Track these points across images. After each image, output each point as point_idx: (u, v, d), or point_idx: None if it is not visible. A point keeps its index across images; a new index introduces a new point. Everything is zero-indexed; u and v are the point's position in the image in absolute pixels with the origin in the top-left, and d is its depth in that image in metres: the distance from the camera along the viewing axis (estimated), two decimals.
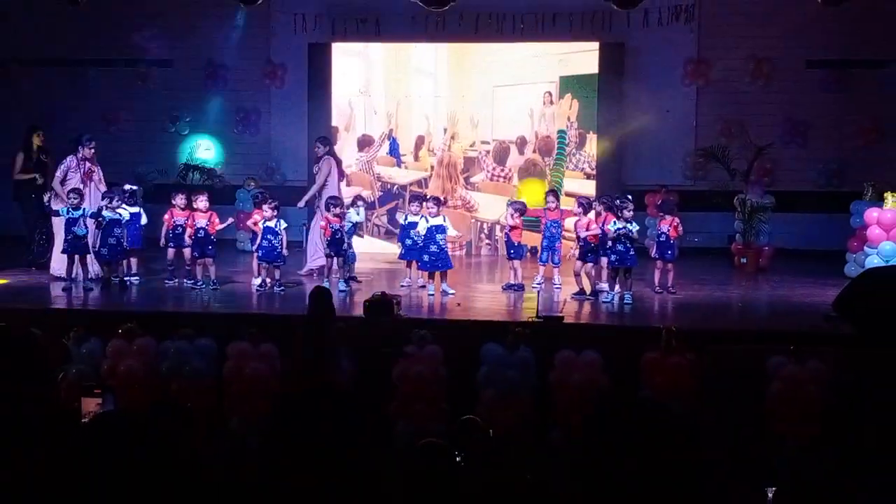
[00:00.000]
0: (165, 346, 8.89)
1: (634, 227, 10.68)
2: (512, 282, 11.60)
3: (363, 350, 8.84)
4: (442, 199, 11.96)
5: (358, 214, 11.80)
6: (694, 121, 16.02)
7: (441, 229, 11.17)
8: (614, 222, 10.70)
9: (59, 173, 11.99)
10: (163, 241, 11.86)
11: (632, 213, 10.72)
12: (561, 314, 9.77)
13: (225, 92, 16.79)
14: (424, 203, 11.33)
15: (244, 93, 16.83)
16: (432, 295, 11.07)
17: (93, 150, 12.20)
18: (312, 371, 7.53)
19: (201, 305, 10.70)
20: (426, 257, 11.16)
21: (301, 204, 12.46)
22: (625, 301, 10.58)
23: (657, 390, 8.23)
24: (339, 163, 12.72)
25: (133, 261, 11.97)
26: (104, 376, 8.68)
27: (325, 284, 11.27)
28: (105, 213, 11.32)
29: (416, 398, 8.47)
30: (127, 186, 12.15)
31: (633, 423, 3.35)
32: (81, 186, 11.83)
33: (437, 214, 11.26)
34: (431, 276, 11.18)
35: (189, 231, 11.55)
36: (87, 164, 12.13)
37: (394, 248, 13.73)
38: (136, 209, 11.95)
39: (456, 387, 8.59)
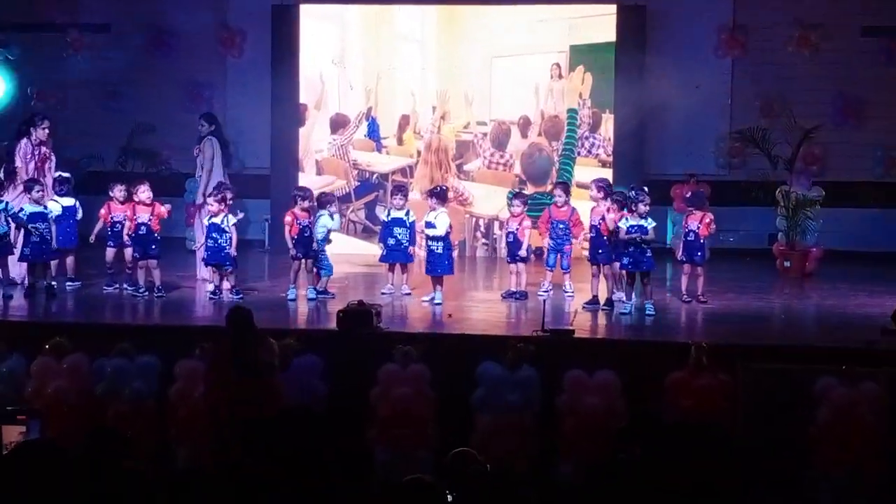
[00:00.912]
0: (101, 364, 8.88)
1: (650, 224, 10.70)
2: (513, 289, 11.64)
3: (337, 368, 8.85)
4: (442, 188, 11.98)
5: (332, 219, 11.76)
6: (728, 99, 16.08)
7: (429, 226, 11.23)
8: (626, 219, 10.72)
9: (18, 162, 12.00)
10: (93, 237, 11.85)
11: (647, 207, 10.74)
12: (571, 327, 9.79)
13: (172, 62, 16.78)
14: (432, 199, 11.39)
15: (195, 63, 16.82)
16: (427, 303, 11.11)
17: (47, 132, 12.21)
18: (252, 397, 7.64)
19: (144, 316, 10.68)
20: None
21: (199, 199, 12.40)
22: (646, 312, 10.62)
23: (684, 416, 8.24)
24: (224, 145, 12.62)
25: (69, 262, 11.97)
26: (28, 399, 8.66)
27: (291, 293, 11.32)
28: (26, 206, 11.30)
29: (399, 426, 8.48)
30: (57, 174, 12.15)
31: (659, 455, 3.39)
32: (37, 175, 11.87)
33: (434, 209, 11.35)
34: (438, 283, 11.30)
35: (129, 227, 11.54)
36: (43, 149, 12.15)
37: (373, 249, 13.74)
38: (69, 201, 11.92)
39: (446, 413, 8.60)
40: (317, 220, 11.64)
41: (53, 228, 11.43)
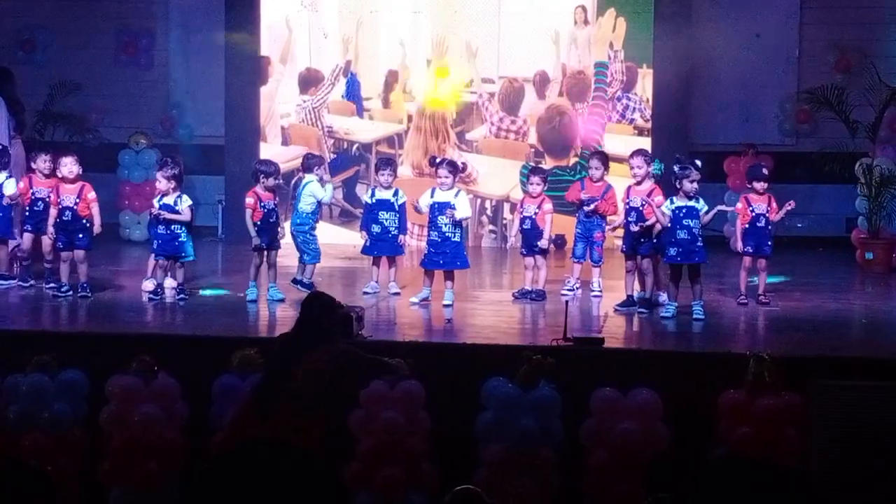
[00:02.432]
0: (13, 381, 8.87)
1: (702, 206, 10.69)
2: (528, 287, 11.63)
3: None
4: (460, 165, 11.97)
5: (323, 188, 11.75)
6: (797, 50, 16.07)
7: (448, 208, 11.19)
8: (671, 200, 10.71)
9: None
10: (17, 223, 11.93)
11: (696, 183, 10.71)
12: (600, 335, 9.79)
13: (100, 4, 16.75)
14: (439, 171, 11.36)
15: (129, 6, 16.80)
16: (418, 304, 11.13)
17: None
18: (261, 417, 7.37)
19: (68, 321, 10.65)
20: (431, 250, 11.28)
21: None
22: (694, 315, 10.61)
23: (741, 446, 8.22)
24: (16, 109, 12.52)
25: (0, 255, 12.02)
26: None
27: (251, 293, 11.29)
28: None
29: (387, 458, 8.48)
30: None
31: (708, 496, 3.39)
32: None
33: (452, 187, 11.35)
34: (429, 278, 11.30)
35: (53, 210, 11.51)
36: None
37: (353, 238, 13.72)
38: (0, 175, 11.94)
39: (445, 441, 8.59)
40: (301, 189, 11.64)
41: None
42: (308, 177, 11.79)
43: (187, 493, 7.40)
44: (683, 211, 10.65)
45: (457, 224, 11.28)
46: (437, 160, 11.74)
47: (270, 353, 7.91)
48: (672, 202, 10.72)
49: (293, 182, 14.12)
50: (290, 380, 7.29)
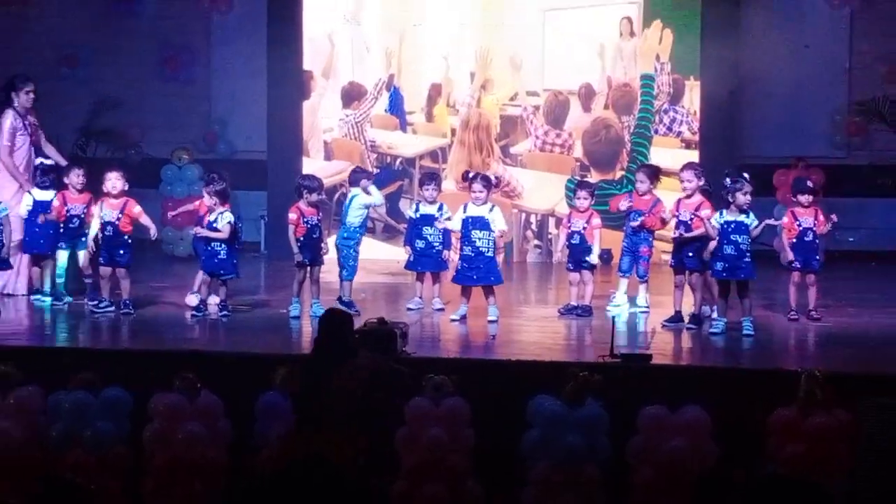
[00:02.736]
0: (57, 399, 8.93)
1: (753, 221, 10.64)
2: (574, 302, 11.62)
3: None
4: (494, 179, 11.99)
5: (370, 193, 11.86)
6: (847, 61, 15.99)
7: (482, 223, 11.22)
8: (721, 213, 10.66)
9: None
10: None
11: (749, 197, 10.66)
12: (648, 351, 9.76)
13: (144, 21, 16.89)
14: (473, 185, 11.39)
15: (172, 22, 16.93)
16: (457, 320, 11.14)
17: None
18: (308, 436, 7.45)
19: (111, 338, 10.73)
20: (463, 265, 11.29)
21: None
22: (744, 331, 10.57)
23: (792, 464, 8.17)
24: (25, 116, 12.45)
25: (34, 272, 12.13)
26: None
27: (294, 309, 11.34)
28: None
29: (430, 475, 8.49)
30: (38, 160, 12.31)
31: None
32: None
33: (486, 202, 11.38)
34: (466, 295, 11.31)
35: (95, 223, 11.59)
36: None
37: (397, 253, 13.77)
38: (48, 194, 12.05)
39: (490, 459, 8.59)
40: (349, 203, 11.65)
41: (6, 231, 11.54)
42: (354, 190, 11.86)
43: None
44: (732, 226, 10.60)
45: (490, 239, 11.29)
46: (471, 175, 11.77)
47: (302, 373, 8.00)
48: (721, 216, 10.68)
49: (335, 197, 14.20)
50: (320, 398, 7.37)
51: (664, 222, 11.73)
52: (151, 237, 11.77)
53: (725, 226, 10.62)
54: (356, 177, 12.08)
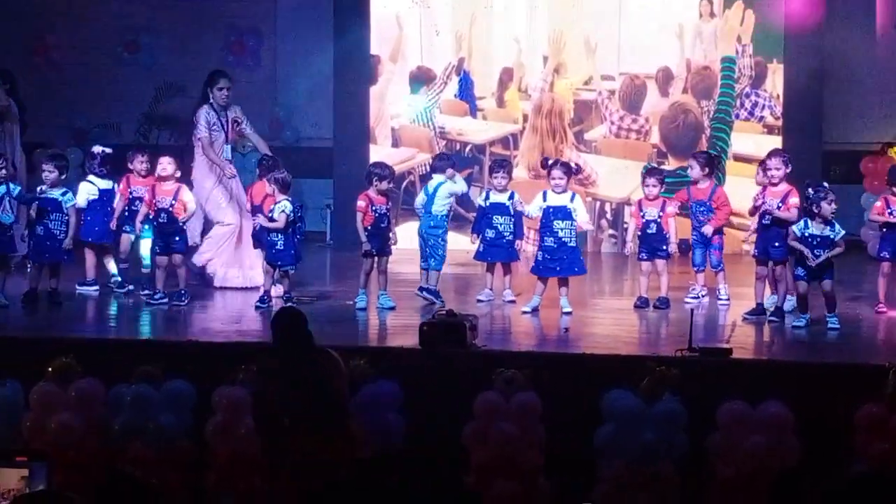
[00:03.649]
0: (118, 391, 9.05)
1: (839, 233, 10.49)
2: (644, 294, 11.60)
3: (419, 398, 8.90)
4: (574, 166, 12.00)
5: (456, 182, 11.92)
6: None
7: (564, 213, 11.24)
8: (806, 224, 10.49)
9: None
10: (114, 222, 12.21)
11: (834, 206, 10.50)
12: (728, 345, 9.73)
13: (207, 4, 17.03)
14: (553, 172, 11.41)
15: (238, 4, 17.06)
16: (529, 312, 11.14)
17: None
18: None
19: (173, 330, 10.85)
20: (542, 256, 11.30)
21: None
22: (828, 325, 10.50)
23: (880, 462, 8.12)
24: (221, 112, 12.50)
25: (108, 260, 12.35)
26: (28, 437, 8.85)
27: (361, 300, 11.39)
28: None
29: (500, 471, 8.51)
30: (98, 148, 12.48)
31: None
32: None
33: (566, 189, 11.38)
34: (542, 286, 11.33)
35: (145, 210, 11.73)
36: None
37: (466, 243, 13.79)
38: (107, 183, 12.29)
39: (562, 455, 8.60)
40: (434, 191, 11.72)
41: (72, 220, 11.70)
42: (438, 178, 11.87)
43: None
44: (817, 240, 10.42)
45: (573, 228, 11.29)
46: (550, 161, 11.75)
47: (262, 372, 8.17)
48: (807, 227, 10.47)
49: (403, 185, 14.22)
50: (297, 395, 7.59)
51: (726, 216, 11.67)
52: (192, 205, 11.87)
53: (810, 239, 10.47)
54: (441, 164, 12.12)
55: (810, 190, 10.63)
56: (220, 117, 12.35)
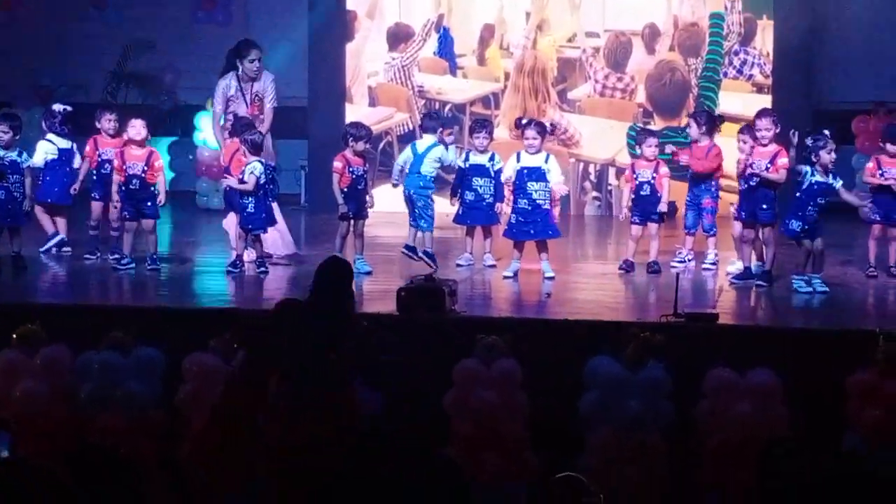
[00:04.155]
0: (86, 359, 9.00)
1: (839, 182, 10.48)
2: (631, 258, 11.58)
3: (395, 366, 8.87)
4: (549, 126, 11.95)
5: (447, 150, 11.85)
6: None
7: (538, 174, 11.19)
8: (813, 172, 10.46)
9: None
10: (77, 186, 12.20)
11: (833, 155, 10.50)
12: (714, 310, 9.72)
13: None
14: (526, 132, 11.35)
15: None
16: (510, 277, 11.13)
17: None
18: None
19: (142, 296, 10.80)
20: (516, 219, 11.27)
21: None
22: (816, 289, 10.50)
23: (871, 432, 8.14)
24: (247, 83, 12.29)
25: (61, 223, 12.26)
26: None
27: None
28: None
29: (482, 441, 8.50)
30: (59, 106, 12.39)
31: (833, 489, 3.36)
32: None
33: (540, 150, 11.34)
34: (519, 250, 11.30)
35: (117, 177, 11.64)
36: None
37: (445, 206, 13.74)
38: (66, 143, 12.22)
39: (545, 425, 8.59)
40: (425, 152, 11.66)
41: (28, 182, 11.61)
42: (428, 137, 11.80)
43: None
44: (822, 187, 10.47)
45: (547, 190, 11.26)
46: (524, 121, 11.72)
47: (283, 336, 7.84)
48: (813, 174, 10.47)
49: (380, 146, 14.13)
50: (320, 370, 7.43)
51: (713, 167, 11.66)
52: (159, 202, 11.72)
53: (816, 187, 10.47)
54: (432, 123, 12.07)
55: (808, 138, 10.61)
56: (243, 89, 12.18)
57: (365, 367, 8.35)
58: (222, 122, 12.11)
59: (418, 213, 11.67)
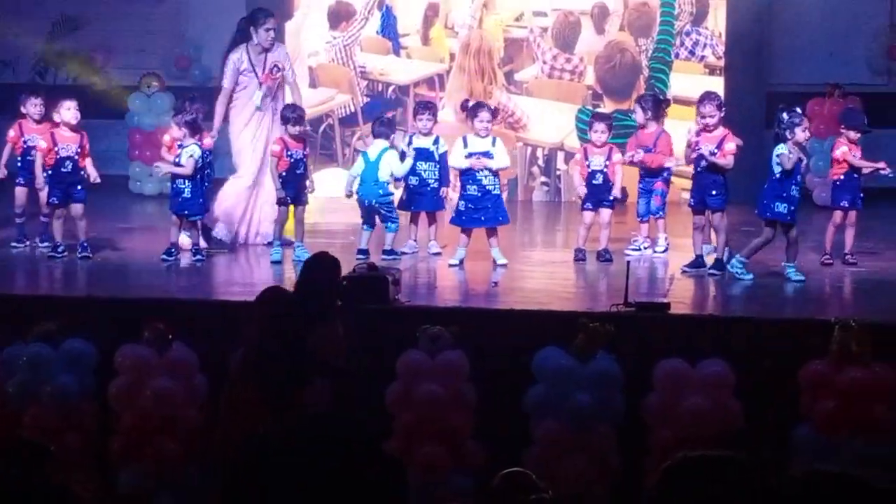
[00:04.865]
0: (13, 352, 8.94)
1: (808, 160, 10.55)
2: (582, 245, 11.61)
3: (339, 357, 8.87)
4: (492, 108, 11.99)
5: (402, 164, 11.60)
6: None
7: (489, 158, 11.21)
8: (786, 148, 10.50)
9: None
10: (2, 170, 12.06)
11: (808, 133, 10.56)
12: (666, 299, 9.78)
13: None
14: (480, 114, 11.37)
15: None
16: (456, 265, 11.15)
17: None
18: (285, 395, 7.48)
19: (72, 285, 10.73)
20: (464, 205, 11.28)
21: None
22: (793, 278, 10.56)
23: (826, 424, 8.23)
24: (260, 54, 12.18)
25: None
26: None
27: (275, 253, 11.31)
28: None
29: (427, 436, 8.52)
30: None
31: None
32: None
33: (488, 133, 11.37)
34: (466, 237, 11.30)
35: (43, 159, 11.54)
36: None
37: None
38: None
39: (492, 418, 8.62)
40: (378, 159, 11.51)
41: None
42: (379, 143, 11.63)
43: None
44: (804, 164, 10.54)
45: (496, 175, 11.29)
46: (473, 104, 11.74)
47: (266, 328, 7.83)
48: (789, 152, 10.51)
49: (321, 129, 14.05)
50: (301, 362, 7.42)
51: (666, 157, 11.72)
52: (93, 180, 11.64)
53: (800, 164, 10.54)
54: (384, 130, 11.79)
55: (784, 115, 10.64)
56: (254, 61, 12.09)
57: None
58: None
59: (384, 217, 11.59)
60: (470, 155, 11.23)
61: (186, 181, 11.24)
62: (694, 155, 11.07)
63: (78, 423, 8.82)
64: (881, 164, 11.48)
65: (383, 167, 11.52)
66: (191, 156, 11.21)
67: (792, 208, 10.57)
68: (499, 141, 11.48)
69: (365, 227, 11.54)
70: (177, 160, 11.26)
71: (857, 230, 11.50)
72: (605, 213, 11.58)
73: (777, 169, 10.51)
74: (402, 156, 11.62)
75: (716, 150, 10.91)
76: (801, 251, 11.67)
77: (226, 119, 12.11)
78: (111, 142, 15.33)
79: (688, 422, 8.37)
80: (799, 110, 10.78)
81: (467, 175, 11.29)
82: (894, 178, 14.98)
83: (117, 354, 8.82)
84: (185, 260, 11.35)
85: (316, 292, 7.94)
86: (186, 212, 11.32)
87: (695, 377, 8.49)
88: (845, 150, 11.40)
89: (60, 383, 8.84)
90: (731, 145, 10.89)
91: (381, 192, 11.55)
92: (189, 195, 11.27)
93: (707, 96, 11.35)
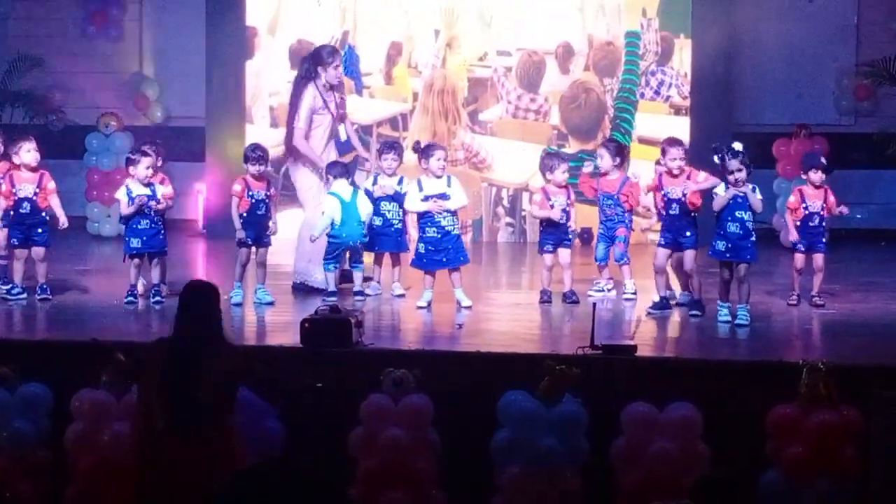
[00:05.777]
0: None
1: (756, 194, 10.64)
2: (547, 286, 11.63)
3: (300, 402, 8.84)
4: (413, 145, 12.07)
5: (368, 205, 11.63)
6: (854, 17, 16.04)
7: (445, 199, 11.25)
8: (726, 187, 10.59)
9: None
10: None
11: (746, 169, 10.61)
12: (632, 342, 9.78)
13: None
14: (436, 153, 11.43)
15: None
16: (424, 307, 11.15)
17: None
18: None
19: (29, 328, 10.66)
20: (423, 248, 11.29)
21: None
22: (738, 320, 10.60)
23: (794, 467, 8.24)
24: (329, 92, 12.25)
25: None
26: None
27: (236, 295, 11.29)
28: None
29: (389, 481, 8.48)
30: None
31: None
32: None
33: (443, 174, 11.41)
34: (431, 279, 11.33)
35: (4, 203, 11.50)
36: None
37: None
38: None
39: (456, 463, 8.60)
40: (353, 200, 11.48)
41: None
42: (341, 183, 11.51)
43: None
44: (740, 199, 10.58)
45: (455, 215, 11.32)
46: (424, 144, 11.81)
47: (161, 363, 7.80)
48: (726, 189, 10.59)
49: (282, 170, 14.02)
50: (197, 392, 7.43)
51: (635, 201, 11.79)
52: (60, 226, 11.60)
53: (733, 201, 10.58)
54: (339, 170, 11.68)
55: (716, 156, 10.63)
56: (326, 98, 12.10)
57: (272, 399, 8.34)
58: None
59: (355, 258, 11.65)
60: (427, 198, 11.27)
61: (143, 220, 11.25)
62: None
63: (32, 469, 8.75)
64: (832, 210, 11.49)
65: (361, 206, 11.53)
66: (164, 193, 11.27)
67: (729, 245, 10.59)
68: (454, 179, 11.51)
69: (332, 266, 11.52)
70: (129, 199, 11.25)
71: (826, 273, 11.52)
72: (565, 252, 11.60)
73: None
74: (369, 195, 11.64)
75: (685, 192, 10.97)
76: (769, 293, 11.74)
77: (291, 154, 12.14)
78: (69, 182, 15.28)
79: (655, 466, 8.38)
80: (739, 146, 10.73)
81: (426, 218, 11.31)
82: (861, 218, 15.20)
83: (74, 399, 8.76)
84: (144, 302, 11.32)
85: (197, 321, 7.85)
86: (155, 249, 11.34)
87: (662, 420, 8.50)
88: (792, 200, 11.47)
89: (16, 428, 8.77)
90: (701, 173, 10.97)
91: (363, 232, 11.57)
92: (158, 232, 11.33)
93: (671, 142, 11.45)
